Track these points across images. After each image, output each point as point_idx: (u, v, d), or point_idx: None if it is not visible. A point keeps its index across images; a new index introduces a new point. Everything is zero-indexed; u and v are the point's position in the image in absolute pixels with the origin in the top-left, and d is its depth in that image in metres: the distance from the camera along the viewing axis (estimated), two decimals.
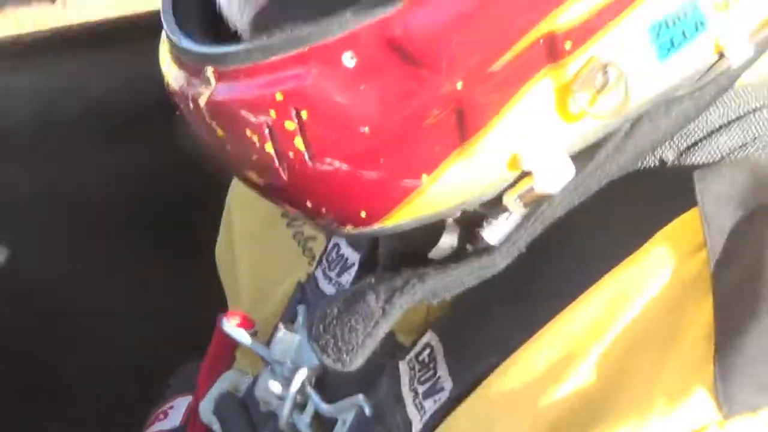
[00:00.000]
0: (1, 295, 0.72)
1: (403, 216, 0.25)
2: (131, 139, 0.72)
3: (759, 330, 0.21)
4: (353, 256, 0.37)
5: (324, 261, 0.38)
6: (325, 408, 0.33)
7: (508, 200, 0.25)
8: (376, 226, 0.25)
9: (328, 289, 0.37)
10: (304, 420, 0.34)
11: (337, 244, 0.38)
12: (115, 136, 0.72)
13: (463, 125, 0.23)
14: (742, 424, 0.20)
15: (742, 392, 0.21)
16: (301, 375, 0.34)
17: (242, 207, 0.47)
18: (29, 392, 0.72)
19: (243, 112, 0.24)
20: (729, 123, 0.27)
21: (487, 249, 0.26)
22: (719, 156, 0.27)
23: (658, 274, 0.23)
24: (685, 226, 0.24)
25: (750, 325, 0.21)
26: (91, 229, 0.73)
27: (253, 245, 0.46)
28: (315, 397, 0.34)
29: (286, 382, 0.35)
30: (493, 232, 0.26)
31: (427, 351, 0.30)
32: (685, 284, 0.23)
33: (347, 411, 0.32)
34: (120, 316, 0.72)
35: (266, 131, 0.24)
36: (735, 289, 0.22)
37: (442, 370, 0.28)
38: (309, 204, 0.26)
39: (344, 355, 0.27)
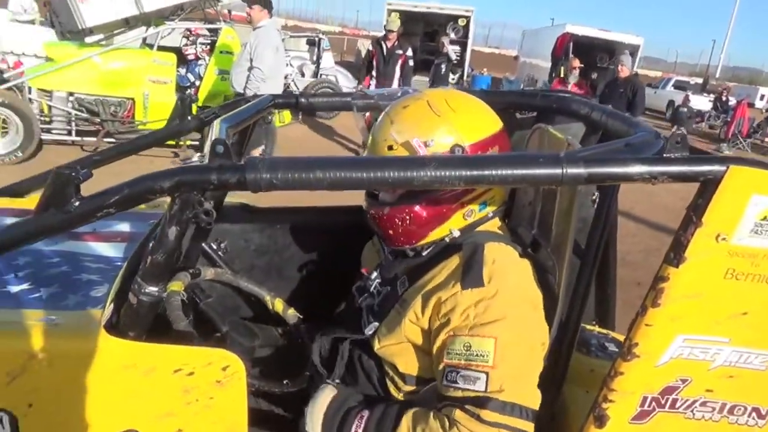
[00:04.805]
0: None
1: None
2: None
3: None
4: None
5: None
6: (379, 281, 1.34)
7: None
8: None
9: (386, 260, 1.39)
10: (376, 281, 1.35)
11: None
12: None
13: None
14: (472, 292, 1.11)
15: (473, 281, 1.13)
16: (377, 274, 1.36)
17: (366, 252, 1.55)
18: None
19: None
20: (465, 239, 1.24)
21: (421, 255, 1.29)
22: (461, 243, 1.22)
23: (453, 264, 1.19)
24: (459, 255, 1.18)
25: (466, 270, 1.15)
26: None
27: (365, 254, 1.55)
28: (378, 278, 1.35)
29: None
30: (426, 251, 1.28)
31: (404, 278, 1.27)
32: (455, 267, 1.18)
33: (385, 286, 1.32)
34: None
35: None
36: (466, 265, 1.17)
37: (403, 286, 1.26)
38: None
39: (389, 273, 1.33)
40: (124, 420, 1.07)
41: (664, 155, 0.95)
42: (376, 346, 1.23)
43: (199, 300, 1.45)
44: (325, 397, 1.23)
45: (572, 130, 1.45)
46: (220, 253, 1.70)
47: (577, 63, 8.11)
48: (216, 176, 0.92)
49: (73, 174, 0.92)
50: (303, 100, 1.65)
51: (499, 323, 1.07)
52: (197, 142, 6.59)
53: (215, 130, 1.23)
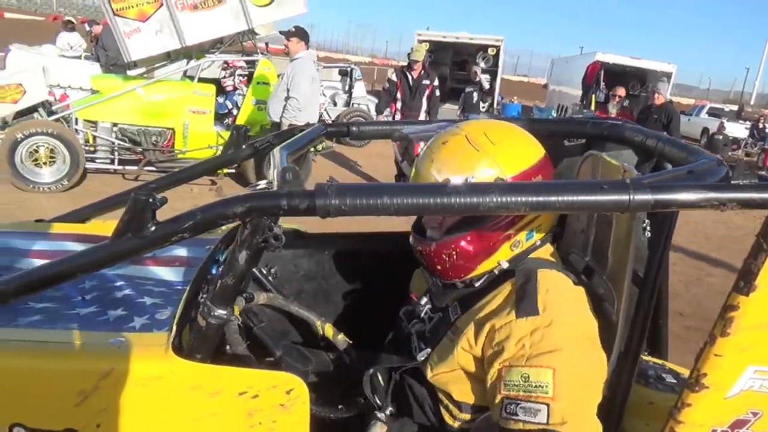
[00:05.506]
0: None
1: None
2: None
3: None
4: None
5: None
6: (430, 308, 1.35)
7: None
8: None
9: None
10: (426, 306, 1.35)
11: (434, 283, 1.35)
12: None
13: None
14: (527, 321, 1.10)
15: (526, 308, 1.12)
16: (427, 299, 1.36)
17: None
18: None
19: None
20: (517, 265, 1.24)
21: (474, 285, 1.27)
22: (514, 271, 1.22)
23: (506, 290, 1.20)
24: (511, 282, 1.19)
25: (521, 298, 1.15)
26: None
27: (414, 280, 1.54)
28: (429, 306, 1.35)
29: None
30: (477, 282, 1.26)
31: (456, 306, 1.28)
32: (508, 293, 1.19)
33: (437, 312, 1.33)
34: None
35: None
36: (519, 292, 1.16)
37: (456, 313, 1.27)
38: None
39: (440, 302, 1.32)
40: None
41: (732, 182, 0.95)
42: (429, 374, 1.22)
43: (253, 324, 1.47)
44: None
45: (623, 158, 1.45)
46: (270, 278, 1.73)
47: (622, 92, 7.96)
48: (286, 202, 0.95)
49: (150, 200, 0.96)
50: (354, 128, 1.69)
51: (556, 354, 1.06)
52: (233, 170, 6.75)
53: (276, 158, 1.27)
